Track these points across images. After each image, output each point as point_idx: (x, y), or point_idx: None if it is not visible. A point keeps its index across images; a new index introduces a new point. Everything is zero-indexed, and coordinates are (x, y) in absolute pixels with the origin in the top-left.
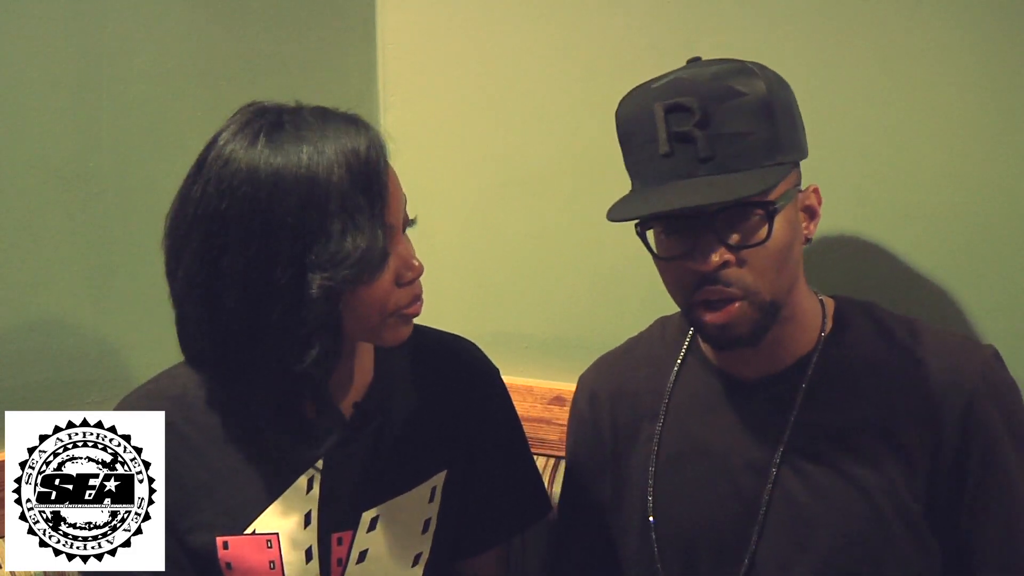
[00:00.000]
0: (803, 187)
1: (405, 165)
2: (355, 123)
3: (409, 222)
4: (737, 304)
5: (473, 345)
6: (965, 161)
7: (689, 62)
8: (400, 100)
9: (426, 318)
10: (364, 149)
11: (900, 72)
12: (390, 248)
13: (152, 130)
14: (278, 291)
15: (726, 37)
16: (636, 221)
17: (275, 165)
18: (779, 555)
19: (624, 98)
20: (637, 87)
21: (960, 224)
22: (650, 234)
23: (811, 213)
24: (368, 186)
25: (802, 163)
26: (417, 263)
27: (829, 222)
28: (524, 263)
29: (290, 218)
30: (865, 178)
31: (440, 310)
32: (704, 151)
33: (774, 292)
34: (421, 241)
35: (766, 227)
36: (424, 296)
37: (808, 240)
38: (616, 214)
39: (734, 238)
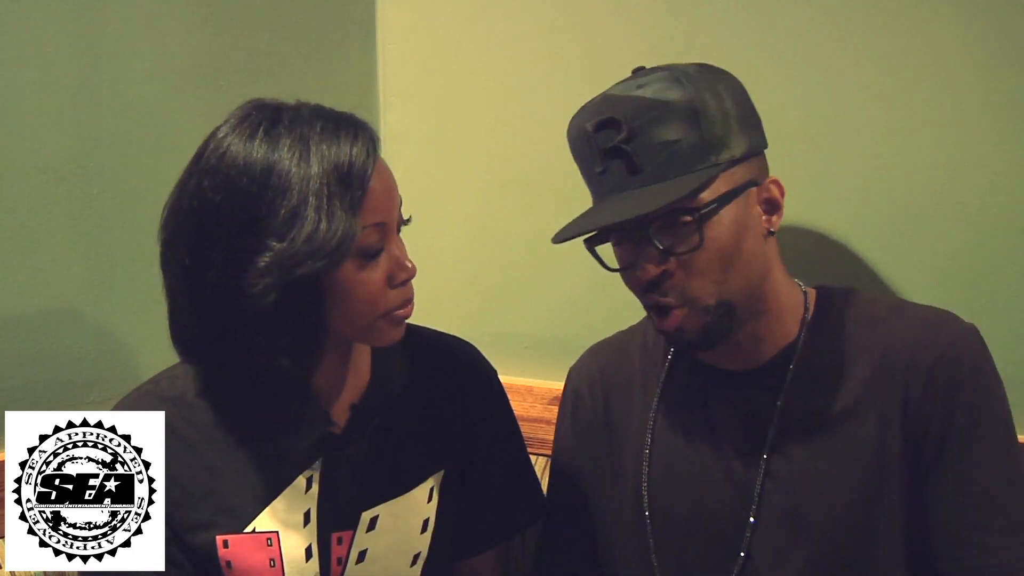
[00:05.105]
0: (767, 178)
1: (405, 165)
2: (349, 123)
3: (404, 222)
4: (679, 311)
5: (471, 346)
6: (965, 161)
7: (634, 72)
8: (400, 100)
9: (426, 318)
10: (350, 150)
11: (900, 72)
12: (384, 246)
13: (152, 130)
14: (259, 279)
15: (726, 37)
16: (585, 238)
17: (270, 160)
18: (774, 543)
19: (572, 118)
20: (583, 105)
21: (960, 224)
22: (610, 246)
23: (772, 206)
24: (348, 185)
25: (802, 163)
26: (410, 264)
27: (829, 221)
28: (524, 263)
29: (273, 213)
30: (865, 178)
31: (440, 310)
32: (632, 164)
33: (721, 294)
34: (420, 241)
35: (696, 233)
36: (424, 296)
37: (771, 233)
38: (556, 236)
39: (668, 244)
